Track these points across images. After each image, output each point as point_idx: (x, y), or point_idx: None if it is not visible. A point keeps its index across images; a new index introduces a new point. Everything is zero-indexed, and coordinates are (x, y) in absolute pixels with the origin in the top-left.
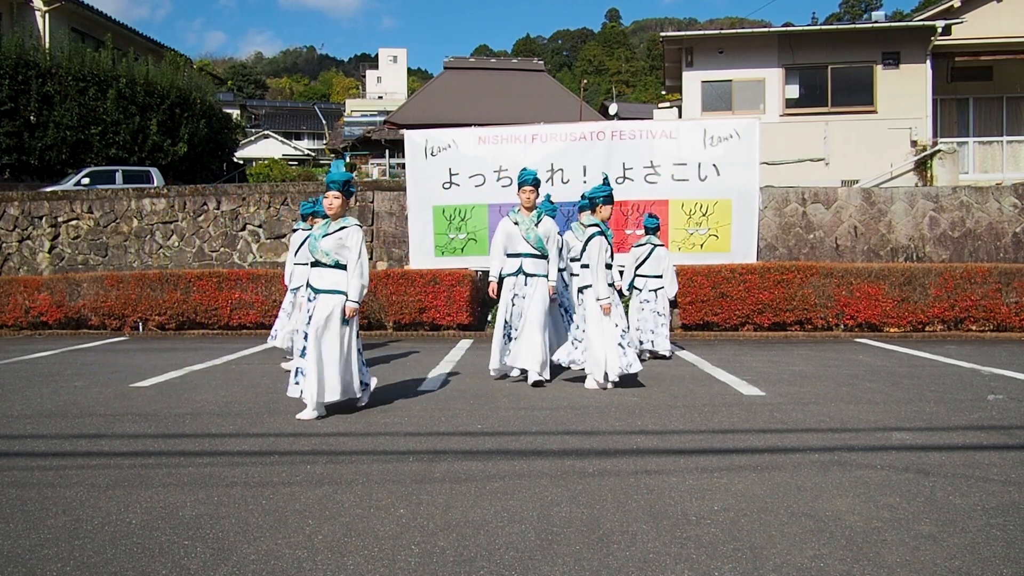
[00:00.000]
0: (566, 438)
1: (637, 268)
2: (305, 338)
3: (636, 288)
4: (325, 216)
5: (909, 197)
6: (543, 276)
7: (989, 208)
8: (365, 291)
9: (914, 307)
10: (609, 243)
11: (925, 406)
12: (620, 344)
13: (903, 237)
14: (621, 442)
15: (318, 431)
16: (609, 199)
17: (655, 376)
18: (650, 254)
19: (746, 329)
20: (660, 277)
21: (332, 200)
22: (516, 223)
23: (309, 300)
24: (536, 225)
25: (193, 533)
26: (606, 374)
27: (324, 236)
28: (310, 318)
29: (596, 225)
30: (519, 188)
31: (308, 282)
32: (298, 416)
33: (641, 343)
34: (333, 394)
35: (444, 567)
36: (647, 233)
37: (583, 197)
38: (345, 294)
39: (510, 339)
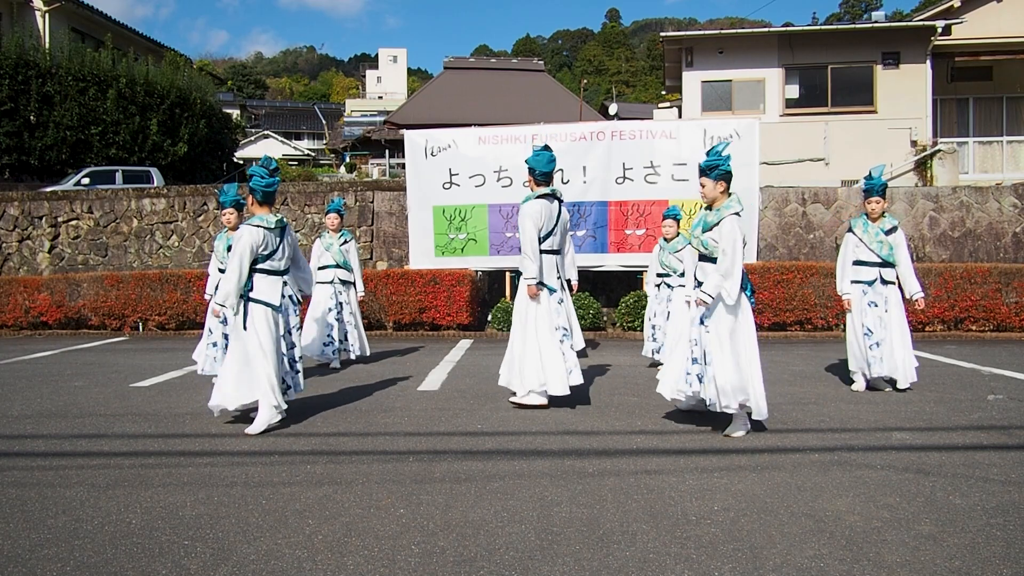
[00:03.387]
0: (566, 438)
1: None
2: (293, 348)
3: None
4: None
5: (909, 197)
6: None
7: (989, 208)
8: None
9: (914, 307)
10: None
11: (925, 406)
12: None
13: None
14: (621, 442)
15: (318, 431)
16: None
17: (655, 376)
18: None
19: None
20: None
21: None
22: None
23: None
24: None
25: (193, 533)
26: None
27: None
28: (295, 327)
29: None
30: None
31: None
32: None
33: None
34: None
35: (444, 567)
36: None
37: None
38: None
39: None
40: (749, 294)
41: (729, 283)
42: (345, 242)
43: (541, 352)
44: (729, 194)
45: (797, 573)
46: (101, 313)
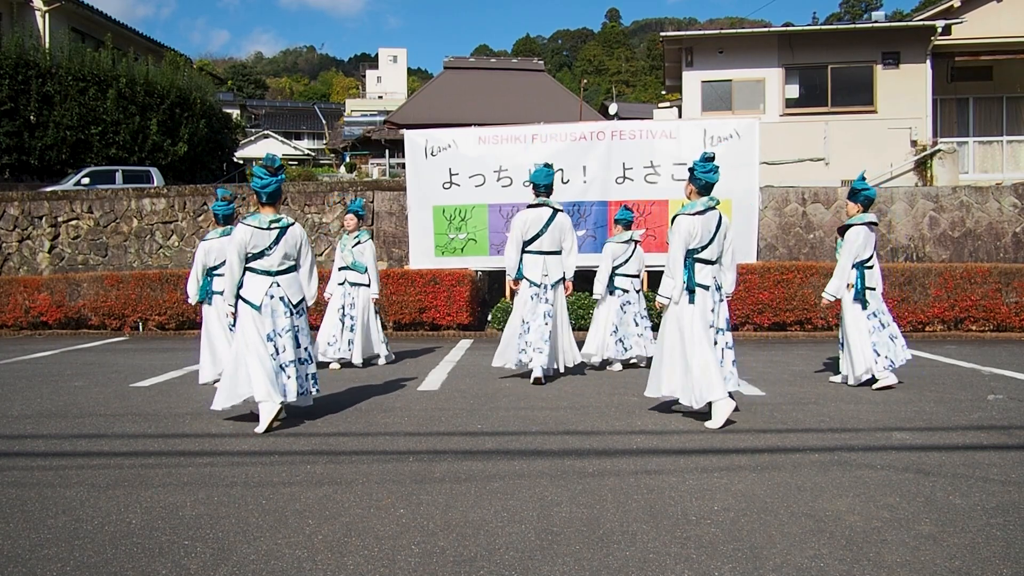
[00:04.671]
0: (566, 438)
1: (616, 267)
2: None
3: (621, 289)
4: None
5: (909, 197)
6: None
7: (989, 208)
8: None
9: (914, 307)
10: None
11: (925, 406)
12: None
13: (903, 237)
14: (621, 442)
15: (318, 431)
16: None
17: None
18: (634, 252)
19: (746, 329)
20: (637, 276)
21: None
22: None
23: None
24: None
25: (193, 533)
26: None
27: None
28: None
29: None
30: None
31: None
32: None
33: (626, 349)
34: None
35: (444, 567)
36: (625, 228)
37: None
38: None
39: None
40: (688, 286)
41: (666, 280)
42: (358, 243)
43: (511, 331)
44: (700, 195)
45: (797, 573)
46: (101, 313)
